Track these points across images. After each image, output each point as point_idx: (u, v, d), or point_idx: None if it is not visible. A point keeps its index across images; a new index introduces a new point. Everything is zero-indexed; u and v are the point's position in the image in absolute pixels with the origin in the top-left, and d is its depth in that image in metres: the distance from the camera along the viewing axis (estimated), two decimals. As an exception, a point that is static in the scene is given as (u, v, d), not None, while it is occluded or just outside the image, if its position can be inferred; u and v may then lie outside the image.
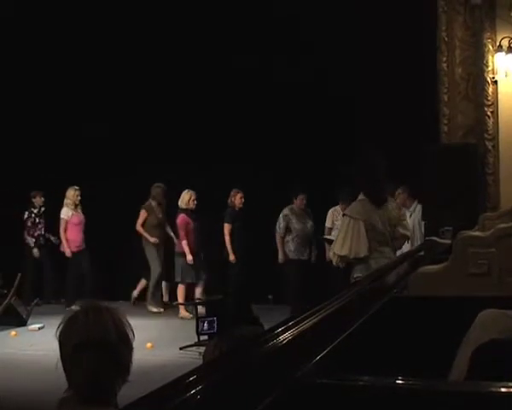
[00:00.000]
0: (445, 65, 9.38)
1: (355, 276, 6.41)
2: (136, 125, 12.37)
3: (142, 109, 12.34)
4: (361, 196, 6.58)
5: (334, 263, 6.80)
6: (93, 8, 12.23)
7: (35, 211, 12.51)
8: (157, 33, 12.14)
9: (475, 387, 2.11)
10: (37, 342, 9.40)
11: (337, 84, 11.10)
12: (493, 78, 9.12)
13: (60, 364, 2.42)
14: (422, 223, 9.37)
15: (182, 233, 11.25)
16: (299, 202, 10.89)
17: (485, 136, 9.16)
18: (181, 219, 11.28)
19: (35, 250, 12.44)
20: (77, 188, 12.05)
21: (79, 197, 12.09)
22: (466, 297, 3.79)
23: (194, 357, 8.10)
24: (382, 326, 3.28)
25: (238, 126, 11.76)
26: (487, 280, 4.04)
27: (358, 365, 2.53)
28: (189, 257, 11.13)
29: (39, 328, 10.41)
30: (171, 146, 11.98)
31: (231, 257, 11.21)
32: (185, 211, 11.34)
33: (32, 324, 10.64)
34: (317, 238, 10.96)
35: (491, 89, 9.12)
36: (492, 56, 9.12)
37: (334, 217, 10.70)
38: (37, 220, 12.48)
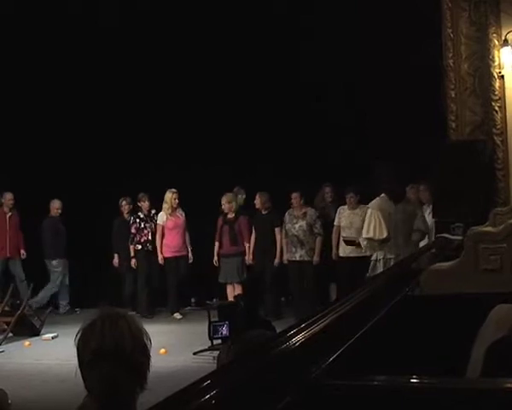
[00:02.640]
0: (451, 61, 9.35)
1: (372, 258, 8.52)
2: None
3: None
4: (382, 195, 8.57)
5: (362, 247, 8.95)
6: (97, 8, 12.29)
7: (141, 215, 12.06)
8: (163, 44, 12.21)
9: (491, 384, 2.10)
10: (50, 352, 9.42)
11: (342, 84, 11.12)
12: (500, 72, 9.09)
13: (79, 371, 2.43)
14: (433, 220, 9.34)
15: (217, 236, 11.55)
16: (293, 201, 10.97)
17: (494, 131, 9.13)
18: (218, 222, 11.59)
19: (133, 261, 12.04)
20: (174, 191, 11.69)
21: (177, 200, 11.74)
22: (479, 294, 3.77)
23: (208, 362, 8.10)
24: (395, 325, 3.27)
25: (251, 128, 11.88)
26: (500, 276, 4.02)
27: (373, 364, 2.52)
28: (215, 258, 11.47)
29: (53, 337, 10.42)
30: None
31: (248, 258, 11.41)
32: (222, 214, 11.54)
33: (45, 333, 10.66)
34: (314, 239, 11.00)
35: (497, 84, 9.10)
36: (498, 51, 9.09)
37: (341, 214, 10.77)
38: (143, 225, 12.02)
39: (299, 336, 2.16)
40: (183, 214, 11.86)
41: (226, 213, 11.51)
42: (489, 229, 4.66)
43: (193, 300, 12.31)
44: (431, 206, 9.37)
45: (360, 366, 2.30)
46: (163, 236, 11.79)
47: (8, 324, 10.43)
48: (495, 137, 9.13)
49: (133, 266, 12.05)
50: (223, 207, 11.47)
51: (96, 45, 12.34)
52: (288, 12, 11.52)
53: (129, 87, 12.30)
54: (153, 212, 12.07)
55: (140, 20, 12.22)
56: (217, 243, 11.52)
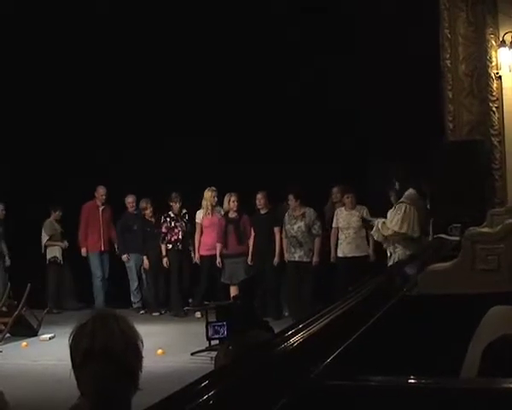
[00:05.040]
0: (448, 62, 9.36)
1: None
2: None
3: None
4: (412, 191, 7.94)
5: (376, 238, 8.42)
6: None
7: (172, 215, 12.04)
8: (167, 28, 12.21)
9: (487, 384, 2.10)
10: (47, 352, 9.41)
11: (339, 84, 11.13)
12: (497, 73, 9.10)
13: (73, 372, 2.43)
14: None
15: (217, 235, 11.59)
16: (289, 203, 10.97)
17: (491, 131, 9.14)
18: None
19: (165, 260, 12.04)
20: (214, 189, 11.73)
21: (216, 198, 11.77)
22: (476, 294, 3.77)
23: (205, 362, 8.10)
24: (393, 326, 3.27)
25: (250, 127, 11.91)
26: (497, 276, 4.02)
27: (370, 365, 2.52)
28: (218, 259, 11.48)
29: (50, 338, 10.42)
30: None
31: (248, 259, 11.39)
32: (224, 213, 11.59)
33: (42, 334, 10.66)
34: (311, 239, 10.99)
35: (495, 84, 9.11)
36: (496, 52, 9.10)
37: (338, 215, 10.78)
38: (173, 224, 11.99)
39: (298, 337, 2.16)
40: (222, 213, 11.85)
41: (227, 213, 11.51)
42: (486, 229, 4.66)
43: (190, 300, 12.32)
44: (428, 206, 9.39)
45: (358, 367, 2.31)
46: (201, 234, 11.81)
47: (5, 324, 10.42)
48: (492, 138, 9.14)
49: (165, 265, 12.06)
50: (226, 207, 11.52)
51: (98, 43, 12.37)
52: (287, 12, 11.53)
53: (137, 87, 12.38)
54: (183, 211, 12.10)
55: (135, 14, 12.24)
56: (219, 244, 11.49)
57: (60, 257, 12.73)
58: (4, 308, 10.81)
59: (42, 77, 12.47)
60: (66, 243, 12.75)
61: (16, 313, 10.50)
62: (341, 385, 2.03)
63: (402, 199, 8.00)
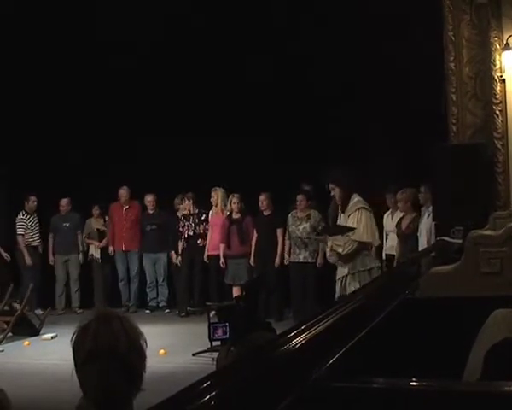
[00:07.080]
0: (452, 64, 9.35)
1: (370, 267, 7.59)
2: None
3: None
4: (358, 196, 7.73)
5: (328, 257, 8.03)
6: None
7: (185, 213, 12.13)
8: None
9: (490, 387, 2.10)
10: (49, 352, 9.42)
11: (341, 85, 11.13)
12: (501, 76, 9.08)
13: (75, 372, 2.42)
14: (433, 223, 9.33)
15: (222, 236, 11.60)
16: (299, 203, 10.94)
17: (495, 134, 9.13)
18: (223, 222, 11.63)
19: (179, 258, 12.10)
20: (216, 189, 11.81)
21: (218, 198, 11.84)
22: (478, 297, 3.77)
23: (206, 363, 8.10)
24: (395, 328, 3.27)
25: (251, 127, 11.87)
26: (499, 279, 4.02)
27: (372, 367, 2.52)
28: (222, 260, 11.51)
29: (52, 337, 10.43)
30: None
31: (251, 260, 11.41)
32: (228, 214, 11.61)
33: (44, 333, 10.67)
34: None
35: (499, 87, 9.09)
36: (499, 55, 9.08)
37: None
38: (184, 224, 12.07)
39: (300, 338, 2.16)
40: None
41: (230, 214, 11.51)
42: (489, 232, 4.67)
43: (192, 301, 12.32)
44: (430, 208, 9.36)
45: (360, 369, 2.31)
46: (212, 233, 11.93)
47: (7, 323, 10.43)
48: (495, 141, 9.13)
49: (178, 263, 12.18)
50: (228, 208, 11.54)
51: (97, 44, 12.37)
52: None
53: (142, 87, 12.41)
54: (196, 210, 12.13)
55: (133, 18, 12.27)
56: (222, 245, 11.50)
57: (96, 255, 12.78)
58: (7, 307, 10.82)
59: (44, 78, 12.48)
60: (102, 243, 12.79)
61: (18, 312, 10.51)
62: (344, 387, 2.03)
63: (360, 205, 7.70)
